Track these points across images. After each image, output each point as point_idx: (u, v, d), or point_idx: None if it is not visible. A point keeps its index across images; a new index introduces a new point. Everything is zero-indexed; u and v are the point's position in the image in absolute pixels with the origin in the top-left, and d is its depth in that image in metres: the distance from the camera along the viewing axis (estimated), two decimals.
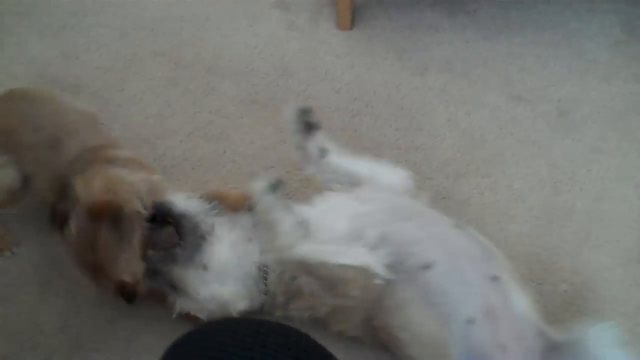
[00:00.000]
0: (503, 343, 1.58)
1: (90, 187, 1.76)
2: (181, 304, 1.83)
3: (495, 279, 1.65)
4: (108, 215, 1.71)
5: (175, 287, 1.81)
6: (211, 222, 1.83)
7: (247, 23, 2.90)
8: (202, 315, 1.82)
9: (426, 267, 1.64)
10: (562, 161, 2.38)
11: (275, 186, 1.74)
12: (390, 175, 1.95)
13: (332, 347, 1.25)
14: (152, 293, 1.86)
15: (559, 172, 2.35)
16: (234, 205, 1.96)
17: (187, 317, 1.85)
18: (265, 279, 1.80)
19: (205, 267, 1.79)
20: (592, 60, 2.72)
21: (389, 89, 2.62)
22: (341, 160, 1.94)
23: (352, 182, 1.93)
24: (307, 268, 1.67)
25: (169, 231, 1.80)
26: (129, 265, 1.75)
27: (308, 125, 1.87)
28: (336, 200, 1.85)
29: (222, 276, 1.81)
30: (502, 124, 2.50)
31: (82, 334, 1.96)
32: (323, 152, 1.92)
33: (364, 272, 1.62)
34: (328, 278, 1.64)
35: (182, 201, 1.82)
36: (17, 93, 2.09)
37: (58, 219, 1.80)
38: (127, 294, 1.80)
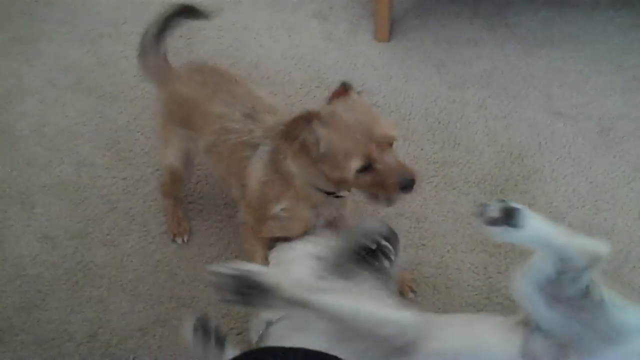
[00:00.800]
0: None
1: None
2: None
3: None
4: None
5: None
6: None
7: (285, 33, 2.89)
8: None
9: None
10: (602, 179, 2.33)
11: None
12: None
13: None
14: None
15: (599, 190, 2.30)
16: None
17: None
18: None
19: None
20: (635, 77, 2.66)
21: (427, 102, 2.59)
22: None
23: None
24: None
25: None
26: None
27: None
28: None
29: None
30: (542, 140, 2.45)
31: (112, 342, 1.96)
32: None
33: None
34: None
35: None
36: (206, 68, 2.09)
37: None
38: None
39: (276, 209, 1.86)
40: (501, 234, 1.44)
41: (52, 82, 2.71)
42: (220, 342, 1.50)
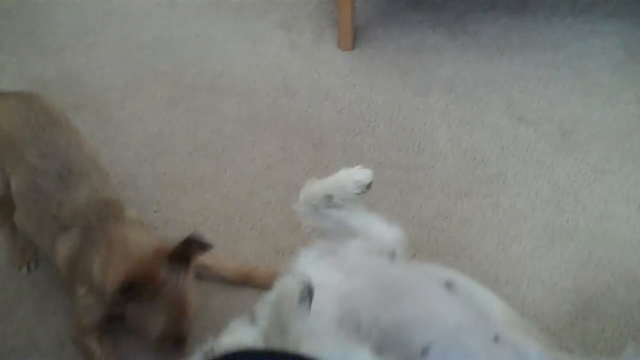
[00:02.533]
0: None
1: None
2: None
3: (497, 338, 1.57)
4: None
5: None
6: None
7: (249, 43, 2.90)
8: None
9: (425, 352, 1.56)
10: (564, 181, 2.36)
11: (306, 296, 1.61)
12: (382, 230, 1.76)
13: None
14: None
15: (562, 192, 2.33)
16: (264, 284, 1.91)
17: None
18: None
19: None
20: (594, 81, 2.71)
21: (391, 109, 2.62)
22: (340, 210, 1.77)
23: (343, 234, 1.82)
24: None
25: None
26: None
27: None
28: (321, 275, 1.72)
29: None
30: (504, 144, 2.49)
31: (79, 353, 1.93)
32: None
33: None
34: None
35: None
36: (36, 102, 2.00)
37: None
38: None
39: (80, 291, 1.84)
40: None
41: None
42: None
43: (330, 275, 1.65)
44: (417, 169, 2.40)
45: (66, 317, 2.02)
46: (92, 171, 1.90)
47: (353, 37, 2.85)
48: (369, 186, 1.71)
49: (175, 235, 2.19)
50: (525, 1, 3.06)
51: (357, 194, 1.69)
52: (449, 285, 1.63)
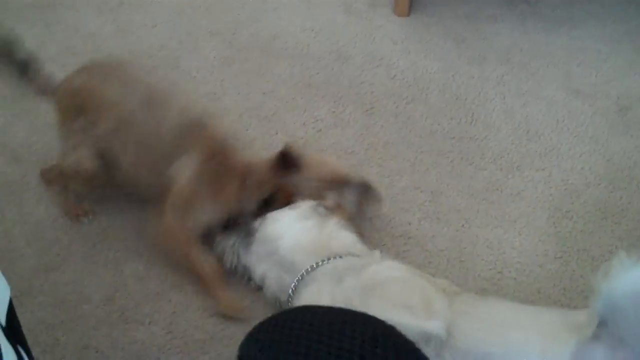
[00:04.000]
0: None
1: None
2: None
3: None
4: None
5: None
6: None
7: (304, 6, 2.89)
8: None
9: None
10: (619, 158, 2.32)
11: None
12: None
13: None
14: None
15: (616, 168, 2.30)
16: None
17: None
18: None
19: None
20: None
21: (445, 77, 2.59)
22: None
23: None
24: None
25: None
26: None
27: None
28: None
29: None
30: (559, 118, 2.45)
31: (128, 306, 1.97)
32: None
33: None
34: None
35: None
36: (101, 61, 2.16)
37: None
38: None
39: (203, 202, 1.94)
40: None
41: (71, 49, 2.72)
42: None
43: None
44: (469, 140, 2.38)
45: (116, 272, 2.06)
46: (166, 99, 1.98)
47: (409, 3, 2.82)
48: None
49: None
50: None
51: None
52: None
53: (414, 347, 1.09)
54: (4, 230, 2.14)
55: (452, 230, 2.14)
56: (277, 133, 2.41)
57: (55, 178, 2.17)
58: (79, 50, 2.71)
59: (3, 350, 0.94)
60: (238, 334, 1.83)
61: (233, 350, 1.08)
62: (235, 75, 2.62)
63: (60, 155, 2.09)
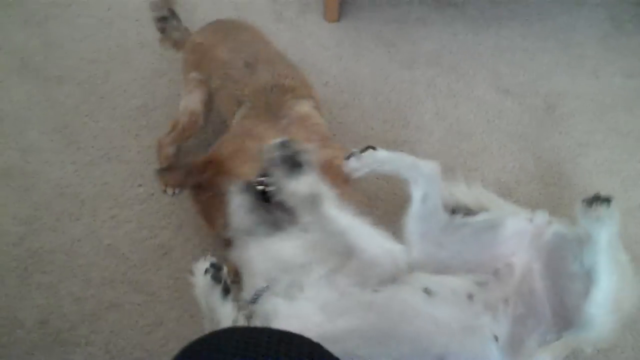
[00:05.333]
0: None
1: None
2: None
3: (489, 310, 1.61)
4: None
5: None
6: None
7: (234, 14, 2.87)
8: None
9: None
10: (549, 154, 2.37)
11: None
12: (378, 249, 1.62)
13: None
14: None
15: (546, 165, 2.34)
16: None
17: None
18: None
19: None
20: (580, 54, 2.71)
21: (377, 81, 2.61)
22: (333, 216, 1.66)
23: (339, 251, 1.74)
24: None
25: None
26: None
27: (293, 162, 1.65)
28: (302, 310, 1.59)
29: None
30: (490, 118, 2.49)
31: (64, 328, 1.94)
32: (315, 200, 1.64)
33: None
34: None
35: None
36: (224, 20, 2.37)
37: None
38: None
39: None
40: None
41: None
42: (226, 291, 1.57)
43: (311, 316, 1.58)
44: (403, 143, 2.40)
45: (50, 293, 2.02)
46: (277, 62, 2.14)
47: (339, 9, 2.83)
48: None
49: (160, 212, 2.20)
50: None
51: None
52: (427, 292, 1.62)
53: None
54: None
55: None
56: (210, 144, 2.38)
57: (171, 137, 2.28)
58: (5, 65, 2.65)
59: None
60: (177, 350, 1.80)
61: None
62: (166, 87, 2.60)
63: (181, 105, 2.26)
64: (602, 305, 1.55)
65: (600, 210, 1.60)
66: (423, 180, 1.84)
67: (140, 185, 2.29)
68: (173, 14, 2.35)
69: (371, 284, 1.59)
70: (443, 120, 2.48)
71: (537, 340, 1.61)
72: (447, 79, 2.62)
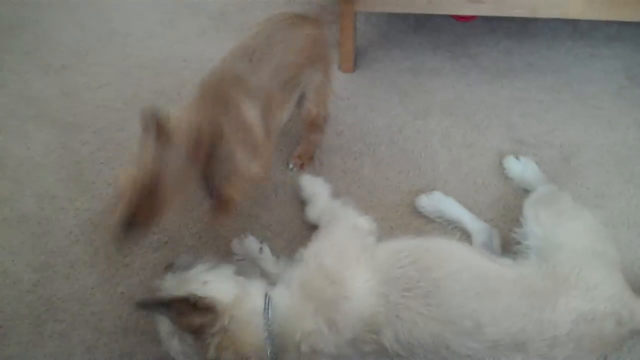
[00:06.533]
0: None
1: None
2: None
3: None
4: None
5: None
6: None
7: None
8: None
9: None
10: None
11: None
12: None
13: None
14: None
15: None
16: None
17: None
18: None
19: None
20: (595, 105, 2.71)
21: (392, 131, 2.61)
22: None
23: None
24: None
25: None
26: None
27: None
28: None
29: None
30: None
31: None
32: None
33: None
34: None
35: None
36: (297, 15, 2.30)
37: None
38: None
39: None
40: None
41: (14, 112, 2.69)
42: None
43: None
44: (417, 192, 2.39)
45: (62, 342, 2.00)
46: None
47: (354, 59, 2.85)
48: None
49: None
50: (525, 25, 3.06)
51: None
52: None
53: None
54: None
55: None
56: None
57: None
58: (22, 113, 2.68)
59: None
60: None
61: None
62: None
63: None
64: None
65: None
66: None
67: (154, 234, 2.28)
68: None
69: None
70: (458, 170, 2.48)
71: None
72: (462, 129, 2.62)
